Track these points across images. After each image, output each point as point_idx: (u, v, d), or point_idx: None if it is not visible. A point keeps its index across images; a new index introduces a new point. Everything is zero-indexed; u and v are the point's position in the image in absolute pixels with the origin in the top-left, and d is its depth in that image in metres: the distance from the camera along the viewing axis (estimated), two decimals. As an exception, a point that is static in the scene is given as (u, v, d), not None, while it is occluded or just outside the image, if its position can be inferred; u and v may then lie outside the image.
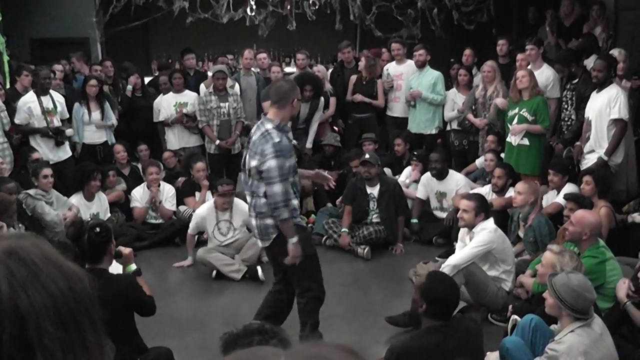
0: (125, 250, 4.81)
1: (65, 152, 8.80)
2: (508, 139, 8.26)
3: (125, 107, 10.18)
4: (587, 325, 4.08)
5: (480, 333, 4.64)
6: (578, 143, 7.93)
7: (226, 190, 7.54)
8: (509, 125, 8.20)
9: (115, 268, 4.74)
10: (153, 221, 8.68)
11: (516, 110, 8.08)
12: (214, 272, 7.35)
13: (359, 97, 9.94)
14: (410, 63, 9.98)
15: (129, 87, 10.19)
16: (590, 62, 8.42)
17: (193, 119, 9.49)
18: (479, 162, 8.99)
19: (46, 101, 8.55)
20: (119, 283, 4.32)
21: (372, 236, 7.91)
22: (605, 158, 7.40)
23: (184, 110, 9.43)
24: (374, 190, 8.06)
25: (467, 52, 10.18)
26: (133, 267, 4.76)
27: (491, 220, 6.13)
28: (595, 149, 7.50)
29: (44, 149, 8.56)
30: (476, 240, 6.00)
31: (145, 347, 4.49)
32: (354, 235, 7.93)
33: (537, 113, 7.96)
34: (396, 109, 10.13)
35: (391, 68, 10.11)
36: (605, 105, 7.36)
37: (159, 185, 8.59)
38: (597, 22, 9.98)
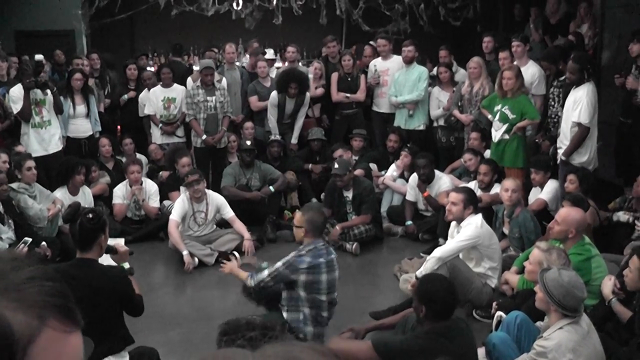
0: (122, 248, 4.78)
1: (55, 146, 8.68)
2: (492, 135, 8.27)
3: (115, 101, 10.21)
4: (575, 322, 4.07)
5: (472, 334, 4.60)
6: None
7: (190, 180, 7.57)
8: (492, 120, 8.22)
9: (107, 262, 4.71)
10: (137, 218, 8.63)
11: (499, 107, 8.08)
12: (195, 261, 7.40)
13: (340, 96, 9.93)
14: (396, 58, 9.95)
15: (125, 97, 10.16)
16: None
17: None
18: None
19: (33, 93, 8.43)
20: (108, 274, 4.28)
21: (363, 235, 7.90)
22: (564, 158, 7.44)
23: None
24: (349, 194, 8.06)
25: (442, 53, 10.18)
26: (126, 265, 4.72)
27: (479, 216, 6.13)
28: (561, 146, 7.55)
29: (32, 142, 8.46)
30: (462, 234, 6.01)
31: (132, 339, 4.45)
32: (344, 233, 7.90)
33: (520, 112, 7.93)
34: (382, 105, 10.10)
35: (378, 64, 10.07)
36: (571, 106, 7.38)
37: (141, 184, 8.52)
38: (584, 19, 9.99)
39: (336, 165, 8.01)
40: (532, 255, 5.19)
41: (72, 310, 1.01)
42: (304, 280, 5.08)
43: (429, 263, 5.83)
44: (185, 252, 7.35)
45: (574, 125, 7.33)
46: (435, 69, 10.07)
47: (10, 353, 0.90)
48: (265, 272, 5.23)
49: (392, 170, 8.97)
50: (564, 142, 7.49)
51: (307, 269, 5.07)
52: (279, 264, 5.19)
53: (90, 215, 4.23)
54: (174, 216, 7.56)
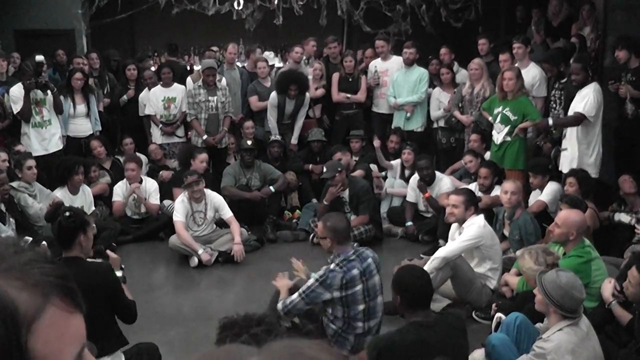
0: (113, 255, 4.79)
1: (55, 145, 8.68)
2: (493, 137, 8.26)
3: (115, 101, 10.18)
4: (575, 324, 4.07)
5: (464, 329, 4.62)
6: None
7: (190, 181, 7.53)
8: (493, 122, 8.21)
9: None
10: (137, 217, 8.61)
11: (500, 109, 8.07)
12: (195, 261, 7.41)
13: (340, 96, 9.93)
14: (395, 59, 9.94)
15: (124, 98, 10.14)
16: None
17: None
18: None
19: (33, 93, 8.42)
20: (95, 270, 4.26)
21: (363, 236, 7.87)
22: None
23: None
24: (345, 194, 8.06)
25: (443, 50, 10.16)
26: (119, 273, 4.71)
27: (481, 216, 6.15)
28: (567, 147, 7.53)
29: (32, 141, 8.46)
30: (465, 234, 6.01)
31: (126, 340, 4.44)
32: None
33: (522, 113, 7.92)
34: (382, 105, 10.09)
35: (378, 64, 10.06)
36: (578, 101, 7.40)
37: (141, 181, 8.51)
38: (587, 22, 9.97)
39: (324, 170, 8.03)
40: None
41: (74, 291, 1.03)
42: (338, 296, 4.91)
43: (434, 262, 5.83)
44: (200, 251, 7.37)
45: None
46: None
47: (15, 329, 0.92)
48: (295, 294, 4.99)
49: (391, 174, 9.03)
50: (570, 141, 7.49)
51: (341, 286, 4.89)
52: (311, 280, 4.97)
53: (68, 214, 4.24)
54: (179, 217, 7.53)
